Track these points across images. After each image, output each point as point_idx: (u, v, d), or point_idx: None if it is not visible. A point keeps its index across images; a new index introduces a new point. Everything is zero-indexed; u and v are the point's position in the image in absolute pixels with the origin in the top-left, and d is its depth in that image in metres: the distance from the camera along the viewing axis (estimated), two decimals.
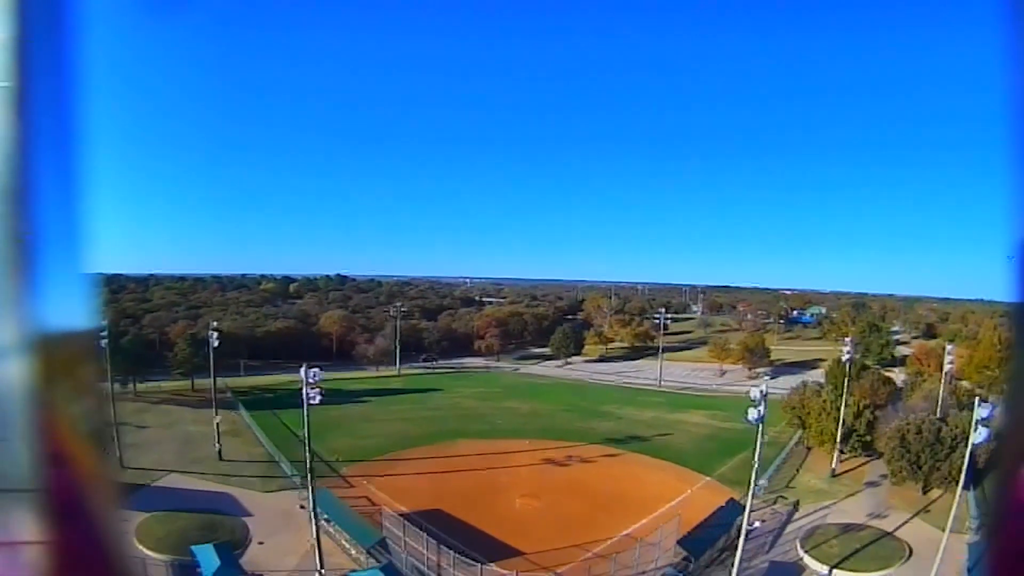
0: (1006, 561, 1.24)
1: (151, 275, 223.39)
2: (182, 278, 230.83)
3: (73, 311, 1.28)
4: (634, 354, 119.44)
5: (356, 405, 71.38)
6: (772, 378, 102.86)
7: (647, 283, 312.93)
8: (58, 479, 1.16)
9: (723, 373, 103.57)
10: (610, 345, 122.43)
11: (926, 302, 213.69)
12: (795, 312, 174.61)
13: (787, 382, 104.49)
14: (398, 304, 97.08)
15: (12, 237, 1.08)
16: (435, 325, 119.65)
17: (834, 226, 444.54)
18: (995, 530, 1.29)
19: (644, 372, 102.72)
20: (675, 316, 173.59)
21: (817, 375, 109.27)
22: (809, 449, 61.09)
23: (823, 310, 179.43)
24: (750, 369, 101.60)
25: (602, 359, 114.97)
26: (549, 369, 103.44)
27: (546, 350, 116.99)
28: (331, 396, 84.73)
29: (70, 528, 1.18)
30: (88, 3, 1.26)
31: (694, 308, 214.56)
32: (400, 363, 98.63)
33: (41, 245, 1.14)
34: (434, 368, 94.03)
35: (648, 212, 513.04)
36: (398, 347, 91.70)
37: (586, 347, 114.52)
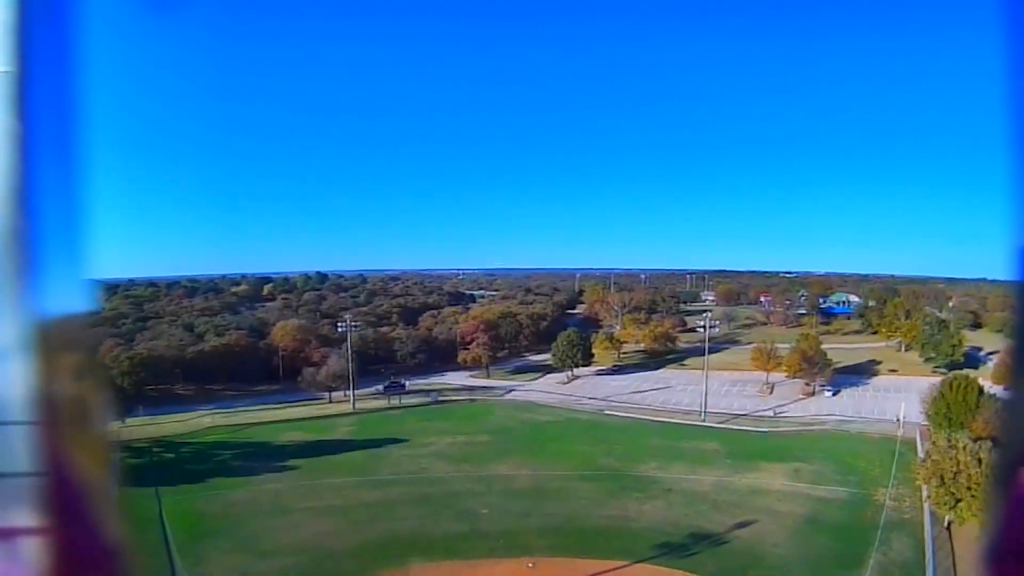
0: (1006, 562, 1.21)
1: (131, 280, 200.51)
2: (152, 283, 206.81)
3: (73, 309, 1.26)
4: (653, 361, 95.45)
5: (275, 476, 47.11)
6: (833, 393, 79.91)
7: (645, 269, 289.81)
8: (59, 477, 1.15)
9: (771, 387, 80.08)
10: (623, 349, 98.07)
11: (933, 283, 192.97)
12: (820, 300, 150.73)
13: (853, 399, 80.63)
14: (347, 318, 71.99)
15: (12, 235, 1.07)
16: (412, 332, 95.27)
17: (832, 206, 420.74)
18: (995, 530, 1.24)
19: (674, 388, 79.11)
20: (689, 308, 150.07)
21: (887, 385, 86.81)
22: (948, 528, 38.87)
23: (851, 297, 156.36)
24: (807, 383, 77.88)
25: (616, 369, 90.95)
26: (552, 389, 79.29)
27: (546, 357, 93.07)
28: (248, 457, 60.00)
29: (70, 525, 1.18)
30: (87, 3, 1.24)
31: (705, 297, 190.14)
32: (362, 386, 74.76)
33: (41, 243, 1.12)
34: (400, 398, 69.45)
35: (644, 196, 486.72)
36: (352, 375, 67.17)
37: (594, 350, 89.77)
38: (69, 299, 1.24)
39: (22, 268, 1.09)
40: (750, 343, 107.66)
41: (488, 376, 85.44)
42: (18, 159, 1.08)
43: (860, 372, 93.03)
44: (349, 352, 67.15)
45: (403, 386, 68.77)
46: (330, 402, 71.67)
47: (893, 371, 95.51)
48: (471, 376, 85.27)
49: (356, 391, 73.88)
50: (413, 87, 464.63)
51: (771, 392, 78.46)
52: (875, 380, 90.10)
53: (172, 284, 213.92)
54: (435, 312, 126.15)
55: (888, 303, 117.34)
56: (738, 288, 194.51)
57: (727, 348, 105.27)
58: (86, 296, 1.29)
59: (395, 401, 67.72)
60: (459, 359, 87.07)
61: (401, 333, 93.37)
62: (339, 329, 71.61)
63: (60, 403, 1.16)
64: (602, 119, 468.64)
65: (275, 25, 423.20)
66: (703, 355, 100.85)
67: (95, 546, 1.25)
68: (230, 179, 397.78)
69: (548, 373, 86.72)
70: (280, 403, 75.79)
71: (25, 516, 1.10)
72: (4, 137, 1.08)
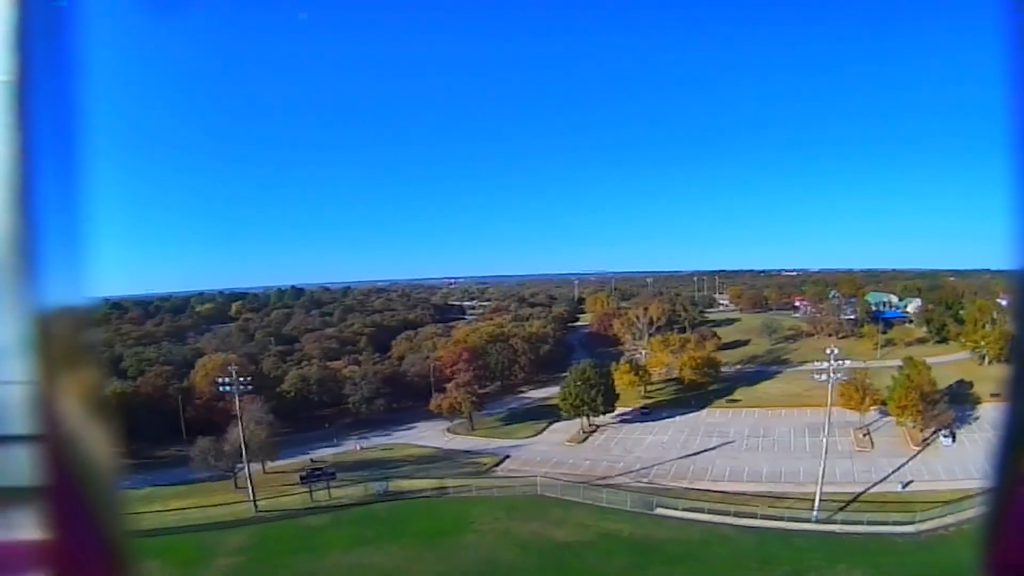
0: (1007, 559, 1.17)
1: (107, 299, 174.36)
2: (117, 304, 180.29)
3: (72, 310, 1.24)
4: (693, 396, 69.97)
5: None
6: (952, 439, 55.66)
7: (643, 272, 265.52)
8: (59, 478, 1.13)
9: (867, 434, 55.81)
10: (650, 380, 72.82)
11: (943, 275, 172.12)
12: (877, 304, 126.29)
13: (976, 447, 55.77)
14: (233, 371, 45.54)
15: (12, 237, 1.06)
16: (370, 369, 70.50)
17: (833, 198, 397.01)
18: (995, 527, 1.19)
19: (736, 445, 54.35)
20: (713, 317, 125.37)
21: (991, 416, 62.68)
22: None
23: (891, 298, 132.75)
24: (921, 429, 53.69)
25: (645, 411, 65.95)
26: (564, 454, 54.23)
27: (549, 394, 68.96)
28: None
29: (72, 528, 1.15)
30: (88, 4, 1.23)
31: (722, 302, 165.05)
32: (292, 451, 50.54)
33: (41, 247, 1.11)
34: (329, 490, 43.56)
35: (638, 194, 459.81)
36: (247, 458, 42.03)
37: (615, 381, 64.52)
38: (69, 300, 1.21)
39: (22, 271, 1.08)
40: (804, 362, 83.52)
41: (472, 429, 60.61)
42: (19, 163, 1.07)
43: (958, 399, 68.62)
44: (241, 429, 41.93)
45: (331, 475, 43.20)
46: (235, 487, 46.68)
47: (996, 396, 71.94)
48: (448, 431, 60.44)
49: (280, 461, 49.65)
50: (407, 85, 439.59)
51: (871, 443, 54.16)
52: (982, 411, 66.18)
53: (141, 303, 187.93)
54: (412, 333, 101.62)
55: (968, 307, 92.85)
56: (749, 290, 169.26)
57: (779, 372, 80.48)
58: (85, 298, 1.25)
59: (322, 494, 42.32)
60: (432, 406, 62.30)
61: (355, 371, 68.44)
62: (219, 388, 46.44)
63: (59, 403, 1.14)
64: (594, 118, 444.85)
65: (265, 31, 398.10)
66: (752, 384, 76.75)
67: (97, 550, 1.21)
68: (224, 189, 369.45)
69: (554, 421, 61.75)
70: (175, 483, 51.29)
71: (27, 519, 1.08)
72: (4, 141, 1.07)
